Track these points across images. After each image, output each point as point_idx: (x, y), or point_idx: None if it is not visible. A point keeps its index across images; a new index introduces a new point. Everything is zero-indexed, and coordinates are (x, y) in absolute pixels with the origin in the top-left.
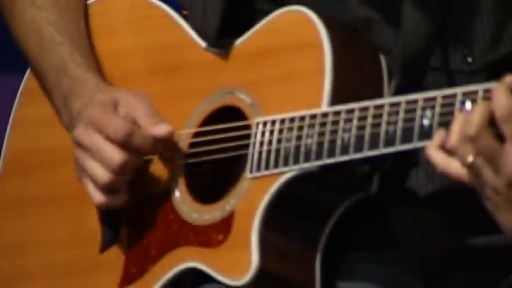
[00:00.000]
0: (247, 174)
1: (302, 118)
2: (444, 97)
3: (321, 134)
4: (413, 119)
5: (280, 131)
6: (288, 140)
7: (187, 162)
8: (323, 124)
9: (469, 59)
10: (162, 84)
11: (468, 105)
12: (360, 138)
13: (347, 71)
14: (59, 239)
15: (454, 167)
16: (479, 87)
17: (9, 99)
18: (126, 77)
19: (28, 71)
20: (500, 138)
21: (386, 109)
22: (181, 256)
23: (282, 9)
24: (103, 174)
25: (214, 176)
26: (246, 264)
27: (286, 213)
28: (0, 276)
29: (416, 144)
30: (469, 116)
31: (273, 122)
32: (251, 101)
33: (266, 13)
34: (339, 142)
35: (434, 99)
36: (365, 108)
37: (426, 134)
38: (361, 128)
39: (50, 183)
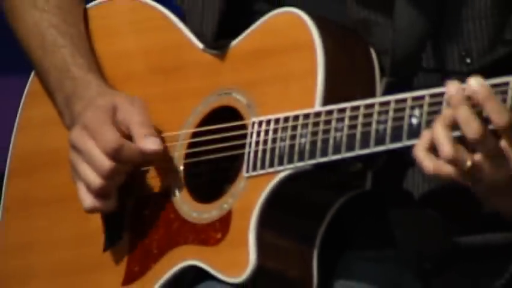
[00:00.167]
0: (244, 174)
1: (296, 118)
2: (432, 96)
3: (315, 133)
4: (402, 118)
5: (275, 130)
6: (283, 139)
7: (187, 162)
8: (316, 123)
9: (468, 60)
10: (162, 85)
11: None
12: (351, 137)
13: (340, 71)
14: (62, 239)
15: (446, 171)
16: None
17: (15, 101)
18: (126, 78)
19: (33, 73)
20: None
21: (376, 108)
22: (181, 254)
23: (276, 10)
24: (95, 179)
25: (213, 175)
26: (243, 262)
27: (283, 211)
28: (4, 276)
29: (405, 142)
30: (459, 116)
31: (268, 122)
32: (247, 102)
33: (264, 14)
34: (331, 141)
35: (422, 98)
36: (356, 108)
37: (415, 132)
38: (352, 127)
39: (53, 184)
